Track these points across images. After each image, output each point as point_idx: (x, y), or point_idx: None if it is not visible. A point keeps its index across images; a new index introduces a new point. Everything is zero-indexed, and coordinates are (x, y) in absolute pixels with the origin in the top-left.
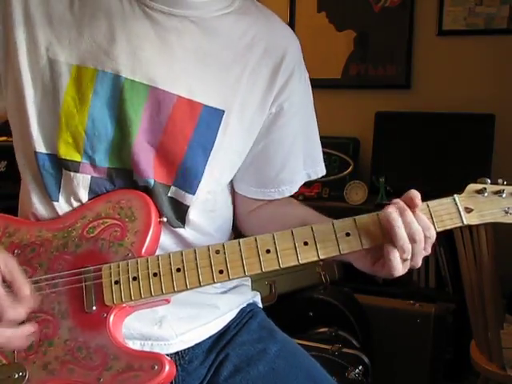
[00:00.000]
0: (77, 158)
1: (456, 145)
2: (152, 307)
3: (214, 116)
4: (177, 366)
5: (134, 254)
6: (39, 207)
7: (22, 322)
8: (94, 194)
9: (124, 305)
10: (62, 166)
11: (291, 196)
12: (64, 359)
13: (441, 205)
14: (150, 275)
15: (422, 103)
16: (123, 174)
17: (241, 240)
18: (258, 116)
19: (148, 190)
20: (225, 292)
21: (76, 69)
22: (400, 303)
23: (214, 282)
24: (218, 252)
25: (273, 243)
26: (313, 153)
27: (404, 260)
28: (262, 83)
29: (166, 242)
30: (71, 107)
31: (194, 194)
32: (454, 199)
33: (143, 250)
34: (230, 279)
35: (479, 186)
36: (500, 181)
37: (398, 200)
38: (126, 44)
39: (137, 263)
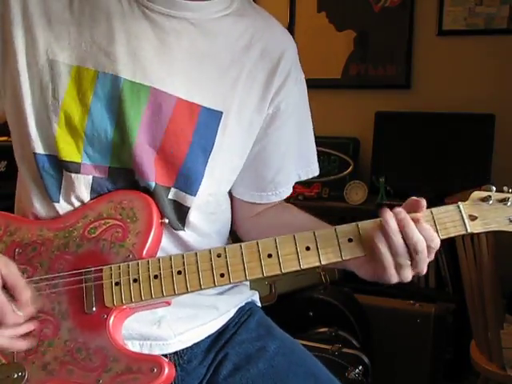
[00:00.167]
0: (77, 158)
1: (456, 145)
2: (152, 309)
3: (212, 117)
4: (176, 366)
5: (135, 256)
6: (39, 208)
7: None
8: (96, 193)
9: (124, 306)
10: (62, 168)
11: (289, 199)
12: (63, 360)
13: (445, 212)
14: (151, 277)
15: (422, 103)
16: (125, 174)
17: (242, 244)
18: (257, 117)
19: (149, 192)
20: (223, 292)
21: (76, 69)
22: (400, 303)
23: (215, 286)
24: (219, 255)
25: (274, 247)
26: (307, 153)
27: (401, 266)
28: (260, 84)
29: (166, 243)
30: (71, 108)
31: (194, 195)
32: (459, 206)
33: (144, 252)
34: (230, 283)
35: (484, 194)
36: (505, 188)
37: (400, 209)
38: (126, 45)
39: (138, 265)
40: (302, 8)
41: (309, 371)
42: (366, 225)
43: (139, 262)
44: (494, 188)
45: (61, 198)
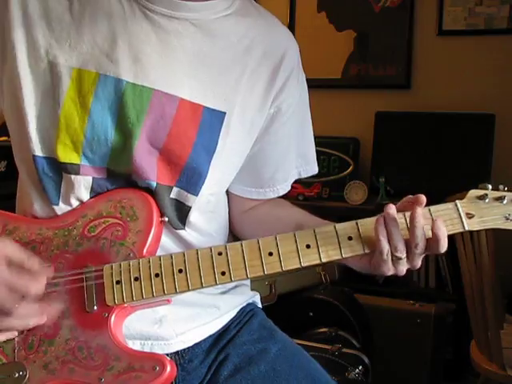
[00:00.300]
0: (75, 160)
1: (456, 144)
2: (153, 307)
3: (215, 118)
4: (177, 366)
5: (136, 254)
6: (39, 210)
7: None
8: (96, 194)
9: (125, 305)
10: (61, 170)
11: (286, 195)
12: (64, 359)
13: (442, 210)
14: (152, 276)
15: (422, 103)
16: (124, 175)
17: (243, 242)
18: (258, 117)
19: (150, 191)
20: (225, 292)
21: (77, 72)
22: (400, 303)
23: (216, 284)
24: (220, 253)
25: (275, 245)
26: (306, 152)
27: (398, 259)
28: (262, 84)
29: (167, 242)
30: (71, 110)
31: (197, 195)
32: (456, 205)
33: (145, 250)
34: (232, 281)
35: (480, 192)
36: (501, 187)
37: (401, 203)
38: (128, 47)
39: (138, 263)
40: (301, 8)
41: (310, 375)
42: (365, 222)
43: (140, 260)
44: (490, 186)
45: (60, 200)
